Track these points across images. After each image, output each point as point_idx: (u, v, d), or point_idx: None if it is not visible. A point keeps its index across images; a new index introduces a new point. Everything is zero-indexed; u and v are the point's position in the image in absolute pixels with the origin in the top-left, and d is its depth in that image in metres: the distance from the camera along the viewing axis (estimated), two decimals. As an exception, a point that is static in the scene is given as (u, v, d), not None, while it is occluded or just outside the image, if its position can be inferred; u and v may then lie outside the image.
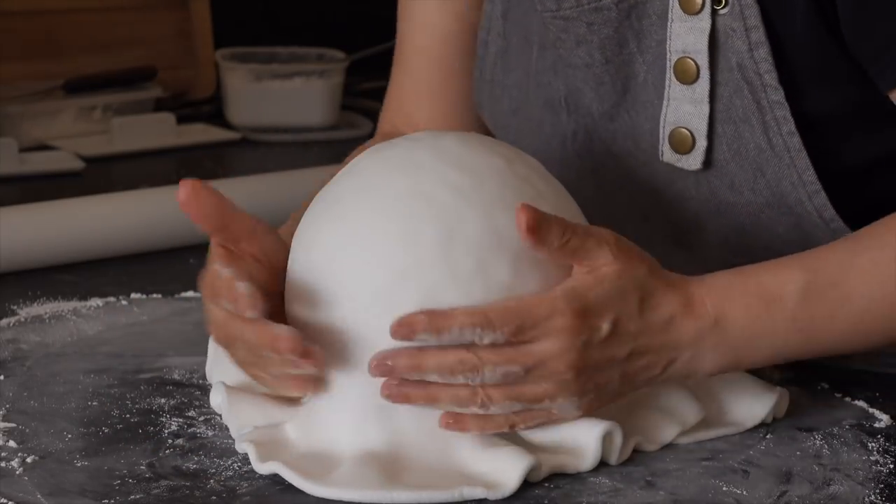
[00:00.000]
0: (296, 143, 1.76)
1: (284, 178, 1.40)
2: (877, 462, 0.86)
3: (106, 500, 0.79)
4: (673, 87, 0.93)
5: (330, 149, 1.74)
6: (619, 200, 1.00)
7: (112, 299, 1.12)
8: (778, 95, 0.90)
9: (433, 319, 0.79)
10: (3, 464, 0.83)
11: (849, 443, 0.89)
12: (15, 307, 1.10)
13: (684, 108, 0.93)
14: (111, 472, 0.82)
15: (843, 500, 0.81)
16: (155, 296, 1.14)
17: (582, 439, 0.83)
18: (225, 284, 0.83)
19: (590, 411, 0.83)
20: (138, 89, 1.78)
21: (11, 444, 0.85)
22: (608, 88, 0.97)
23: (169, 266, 1.24)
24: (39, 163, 1.56)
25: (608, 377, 0.83)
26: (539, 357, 0.80)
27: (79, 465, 0.83)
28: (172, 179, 1.52)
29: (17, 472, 0.82)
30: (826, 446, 0.88)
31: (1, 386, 0.94)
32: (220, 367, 0.92)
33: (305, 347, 0.80)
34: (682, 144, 0.93)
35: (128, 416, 0.90)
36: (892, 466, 0.85)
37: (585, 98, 0.98)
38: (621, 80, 0.96)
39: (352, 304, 0.82)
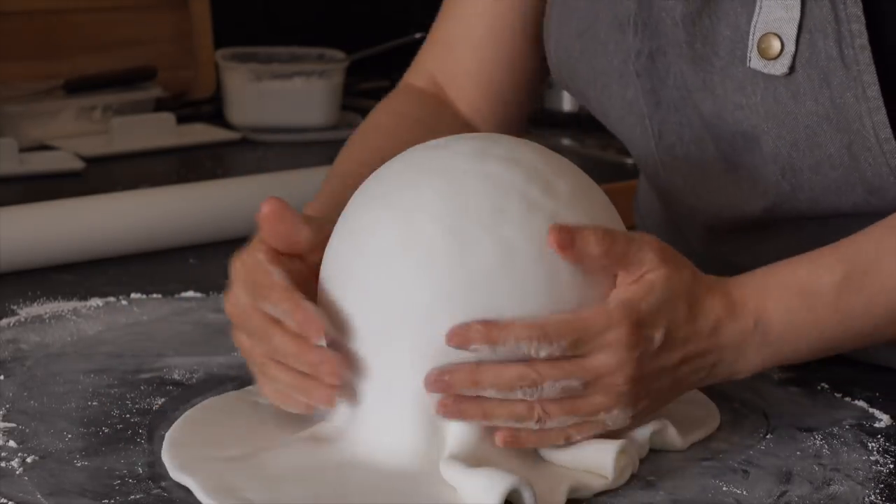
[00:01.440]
0: (296, 143, 1.76)
1: (284, 178, 1.40)
2: (877, 462, 0.86)
3: (106, 500, 0.79)
4: None
5: (330, 149, 1.73)
6: (672, 120, 1.02)
7: (112, 299, 1.12)
8: (856, 9, 0.92)
9: (489, 330, 0.79)
10: (3, 464, 0.83)
11: (849, 443, 0.89)
12: (15, 307, 1.10)
13: (776, 14, 0.94)
14: (111, 472, 0.82)
15: (843, 500, 0.81)
16: (155, 296, 1.14)
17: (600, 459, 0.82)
18: (268, 281, 0.84)
19: (640, 420, 0.84)
20: (138, 89, 1.78)
21: (11, 444, 0.85)
22: None
23: (169, 266, 1.24)
24: (39, 163, 1.56)
25: (660, 385, 0.84)
26: (597, 371, 0.81)
27: (79, 465, 0.83)
28: (172, 179, 1.54)
29: (17, 472, 0.82)
30: (826, 446, 0.88)
31: (1, 386, 0.94)
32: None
33: (342, 378, 0.82)
34: (769, 50, 0.95)
35: (128, 416, 0.90)
36: (892, 466, 0.85)
37: (668, 3, 0.99)
38: None
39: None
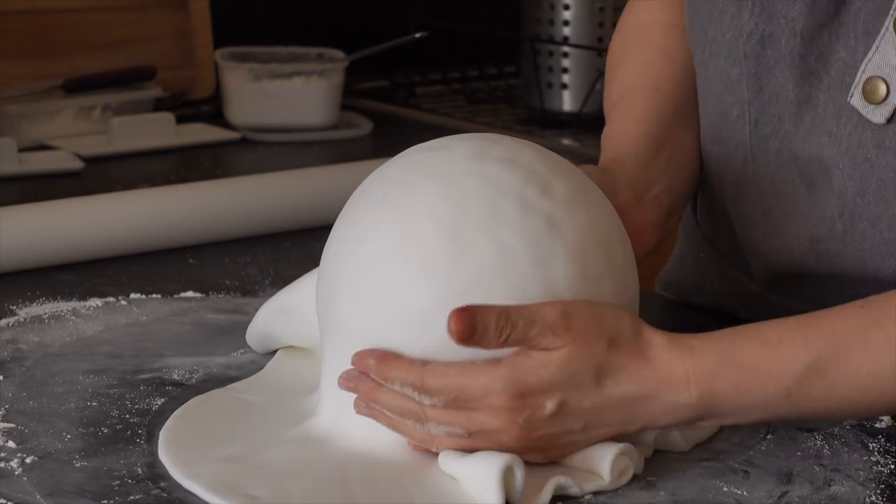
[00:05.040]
0: (295, 143, 1.76)
1: (284, 178, 1.40)
2: (877, 462, 0.86)
3: (105, 501, 0.78)
4: (889, 35, 0.90)
5: (330, 149, 1.74)
6: (771, 112, 0.98)
7: (111, 299, 1.12)
8: None
9: (380, 366, 0.81)
10: (2, 464, 0.82)
11: (849, 443, 0.88)
12: (14, 307, 1.10)
13: (890, 59, 0.91)
14: (110, 472, 0.82)
15: (843, 500, 0.81)
16: (154, 296, 1.14)
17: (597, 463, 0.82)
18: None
19: (561, 458, 0.82)
20: (138, 89, 1.77)
21: (11, 444, 0.85)
22: (823, 5, 0.94)
23: (169, 266, 1.23)
24: (38, 163, 1.56)
25: (567, 440, 0.81)
26: (481, 426, 0.80)
27: (78, 465, 0.83)
28: (172, 179, 1.54)
29: (17, 473, 0.82)
30: (827, 447, 0.88)
31: (0, 386, 0.94)
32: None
33: None
34: (873, 93, 0.91)
35: (127, 416, 0.90)
36: (892, 467, 0.85)
37: (795, 8, 0.95)
38: (836, 3, 0.94)
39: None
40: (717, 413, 0.82)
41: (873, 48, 0.92)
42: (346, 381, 0.83)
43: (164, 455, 0.84)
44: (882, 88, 0.91)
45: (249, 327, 1.01)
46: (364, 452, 0.83)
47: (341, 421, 0.85)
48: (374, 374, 0.81)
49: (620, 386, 0.81)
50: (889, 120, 0.91)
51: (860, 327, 0.83)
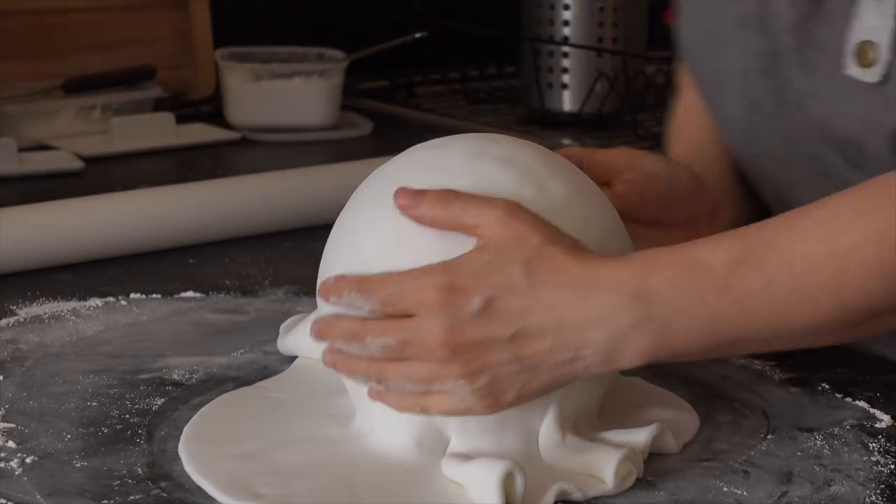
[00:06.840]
0: (295, 143, 1.76)
1: (284, 178, 1.40)
2: (878, 462, 0.86)
3: (105, 501, 0.79)
4: (864, 2, 0.94)
5: (330, 149, 1.74)
6: (797, 118, 0.99)
7: (111, 299, 1.12)
8: None
9: (331, 284, 0.82)
10: (2, 464, 0.82)
11: (850, 443, 0.88)
12: (14, 307, 1.10)
13: (871, 22, 0.93)
14: (110, 472, 0.82)
15: (843, 500, 0.81)
16: (154, 296, 1.14)
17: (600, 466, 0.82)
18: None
19: (497, 403, 0.80)
20: (137, 89, 1.77)
21: (11, 444, 0.85)
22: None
23: (169, 266, 1.23)
24: (38, 163, 1.56)
25: (498, 360, 0.79)
26: (410, 330, 0.79)
27: (78, 465, 0.83)
28: (172, 179, 1.53)
29: (17, 473, 0.82)
30: (827, 447, 0.88)
31: (0, 386, 0.94)
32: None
33: None
34: (864, 58, 0.94)
35: (127, 416, 0.90)
36: (893, 467, 0.85)
37: (780, 8, 0.98)
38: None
39: None
40: (657, 316, 0.79)
41: (853, 17, 0.94)
42: (316, 333, 0.83)
43: (182, 450, 0.84)
44: (871, 51, 0.93)
45: (278, 340, 1.01)
46: (378, 455, 0.83)
47: (357, 422, 0.86)
48: (324, 293, 0.82)
49: (550, 285, 0.79)
50: (884, 77, 0.93)
51: (785, 219, 0.83)
